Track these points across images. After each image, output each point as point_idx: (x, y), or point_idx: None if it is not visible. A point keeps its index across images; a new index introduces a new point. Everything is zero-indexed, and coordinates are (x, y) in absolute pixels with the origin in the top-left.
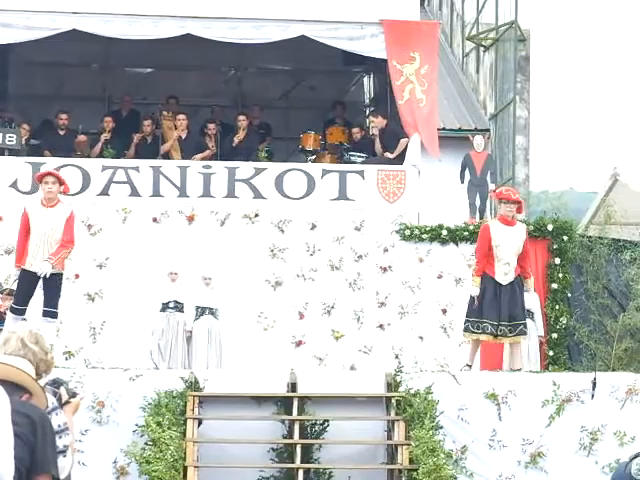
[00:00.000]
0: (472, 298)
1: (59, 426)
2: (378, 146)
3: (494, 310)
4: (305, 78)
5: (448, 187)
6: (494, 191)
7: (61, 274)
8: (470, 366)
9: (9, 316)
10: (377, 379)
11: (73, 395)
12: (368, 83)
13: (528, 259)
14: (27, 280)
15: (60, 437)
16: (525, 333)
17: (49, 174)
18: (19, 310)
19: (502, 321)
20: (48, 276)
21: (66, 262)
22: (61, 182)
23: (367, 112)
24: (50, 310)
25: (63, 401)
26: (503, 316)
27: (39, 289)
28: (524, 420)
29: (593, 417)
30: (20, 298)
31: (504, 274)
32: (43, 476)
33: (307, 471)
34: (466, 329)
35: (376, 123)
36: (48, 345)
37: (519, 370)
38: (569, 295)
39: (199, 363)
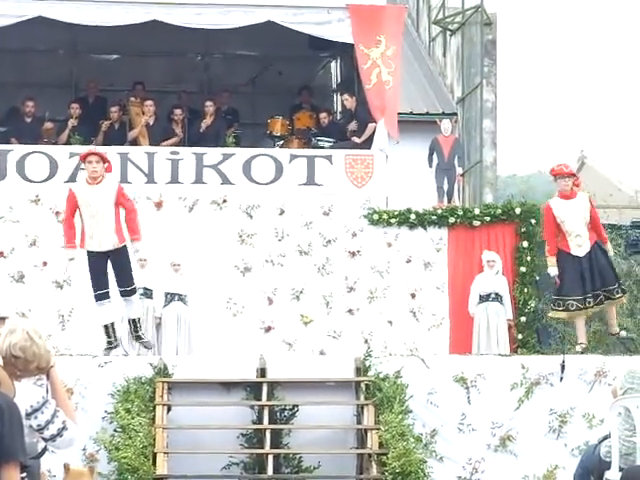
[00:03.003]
0: (553, 278)
1: (51, 414)
2: (353, 125)
3: (578, 286)
4: (272, 63)
5: (416, 171)
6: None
7: (125, 247)
8: (583, 345)
9: (96, 306)
10: (346, 364)
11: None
12: (335, 68)
13: (600, 225)
14: (97, 261)
15: (54, 421)
16: (609, 298)
17: (92, 154)
18: (101, 295)
19: (588, 293)
20: (125, 265)
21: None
22: (104, 160)
23: (335, 97)
24: (127, 289)
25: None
26: (589, 287)
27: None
28: (493, 403)
29: (562, 400)
30: (98, 283)
31: (578, 246)
32: (11, 463)
33: (277, 456)
34: (557, 308)
35: (350, 103)
36: (47, 344)
37: (616, 334)
38: (537, 278)
39: (168, 349)
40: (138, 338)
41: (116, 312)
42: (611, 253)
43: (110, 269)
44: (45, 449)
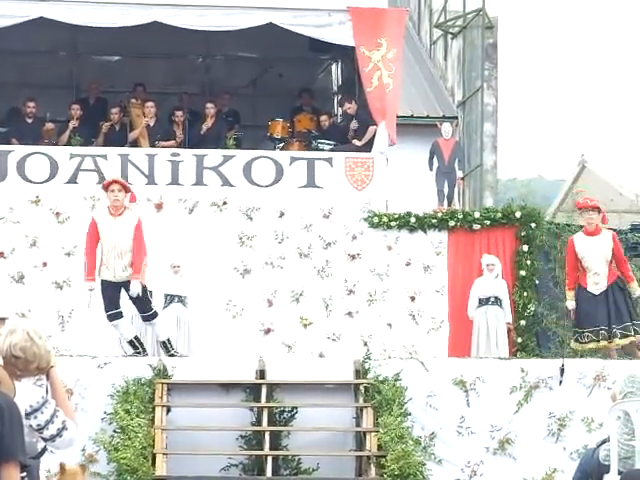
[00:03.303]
0: (571, 311)
1: (51, 415)
2: (354, 124)
3: (592, 318)
4: (273, 66)
5: (416, 174)
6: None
7: (144, 285)
8: None
9: (112, 325)
10: (346, 366)
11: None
12: (336, 70)
13: (626, 264)
14: (110, 289)
15: (53, 421)
16: (625, 335)
17: (115, 182)
18: (114, 315)
19: (603, 326)
20: (140, 294)
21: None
22: (127, 190)
23: (335, 99)
24: (148, 315)
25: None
26: (603, 322)
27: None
28: (492, 407)
29: (561, 403)
30: (110, 304)
31: (594, 284)
32: (10, 463)
33: (276, 458)
34: (575, 340)
35: (351, 109)
36: (47, 345)
37: None
38: (537, 282)
39: None
40: (171, 356)
41: (132, 325)
42: (637, 293)
43: (126, 297)
44: (45, 449)
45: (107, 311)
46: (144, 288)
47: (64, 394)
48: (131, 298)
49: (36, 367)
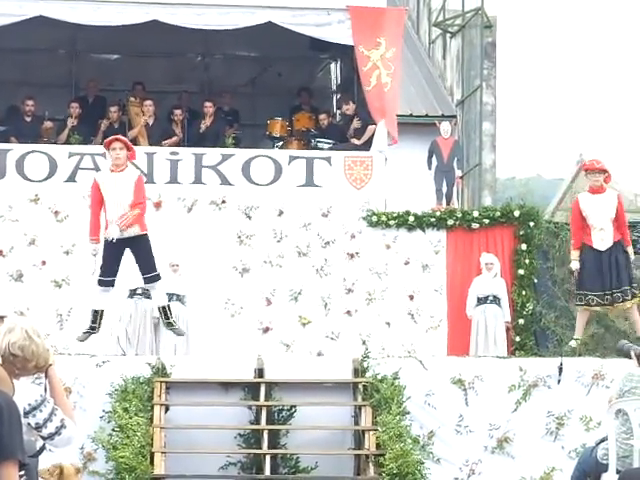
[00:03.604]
0: (575, 271)
1: (49, 413)
2: (355, 123)
3: (597, 281)
4: (272, 64)
5: (415, 173)
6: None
7: (146, 235)
8: (577, 340)
9: (97, 290)
10: (344, 365)
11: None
12: (335, 69)
13: (625, 225)
14: (111, 250)
15: (52, 420)
16: (624, 299)
17: (116, 140)
18: (106, 282)
19: (607, 290)
20: (115, 240)
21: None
22: (128, 147)
23: (334, 98)
24: (150, 276)
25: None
26: (607, 285)
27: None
28: (491, 405)
29: (559, 402)
30: (107, 270)
31: (600, 240)
32: (9, 461)
33: (274, 457)
34: (579, 301)
35: (349, 110)
36: (46, 343)
37: None
38: (535, 281)
39: (166, 349)
40: (169, 325)
41: (111, 303)
42: (632, 256)
43: (132, 258)
44: (43, 447)
45: (102, 275)
46: (145, 242)
47: (63, 393)
48: (137, 257)
49: (34, 365)
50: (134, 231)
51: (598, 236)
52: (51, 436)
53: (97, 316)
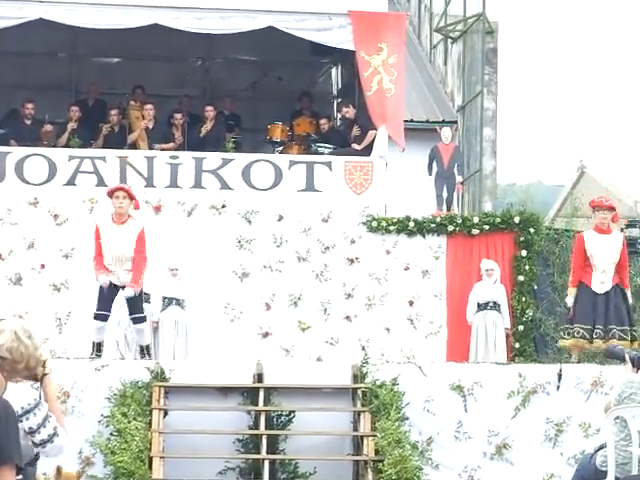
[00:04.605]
0: (568, 308)
1: (43, 418)
2: (355, 130)
3: (589, 317)
4: (272, 69)
5: (415, 179)
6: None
7: (141, 290)
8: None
9: (94, 324)
10: (343, 370)
11: (43, 364)
12: (336, 74)
13: (626, 268)
14: (108, 290)
15: (46, 426)
16: (622, 338)
17: (120, 189)
18: (102, 316)
19: (599, 325)
20: (136, 296)
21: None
22: (131, 197)
23: (335, 103)
24: (138, 317)
25: (39, 376)
26: (600, 321)
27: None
28: (490, 412)
29: (558, 409)
30: (102, 305)
31: (600, 283)
32: (6, 465)
33: (273, 462)
34: (565, 334)
35: (349, 113)
36: (38, 343)
37: None
38: (535, 287)
39: (165, 354)
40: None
41: (108, 333)
42: (631, 300)
43: (122, 299)
44: (38, 454)
45: (98, 310)
46: (140, 292)
47: (56, 401)
48: (128, 301)
49: (24, 367)
50: (129, 280)
51: (598, 278)
52: (43, 443)
53: (98, 347)
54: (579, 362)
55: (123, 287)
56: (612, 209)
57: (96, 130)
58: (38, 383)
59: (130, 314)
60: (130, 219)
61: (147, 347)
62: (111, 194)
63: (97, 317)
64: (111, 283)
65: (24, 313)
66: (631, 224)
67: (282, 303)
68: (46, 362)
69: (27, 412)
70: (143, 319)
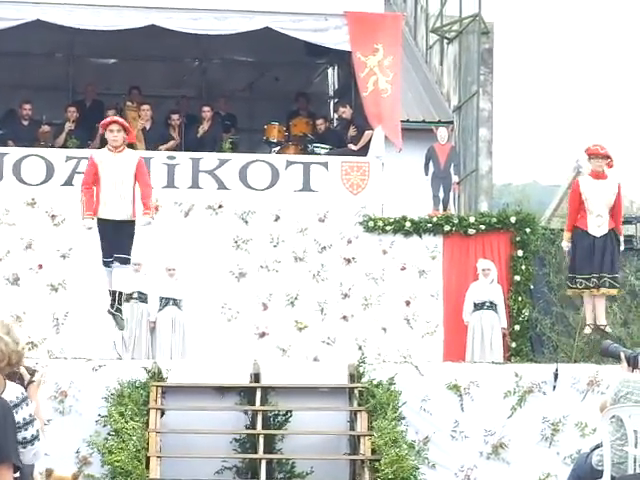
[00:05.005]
0: (566, 253)
1: (30, 415)
2: (352, 131)
3: (586, 264)
4: (269, 69)
5: (412, 179)
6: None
7: (134, 222)
8: (589, 325)
9: (105, 271)
10: (340, 370)
11: (33, 373)
12: (332, 75)
13: (620, 214)
14: (107, 229)
15: (32, 425)
16: (612, 286)
17: (114, 122)
18: (109, 262)
19: (595, 273)
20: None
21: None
22: (125, 129)
23: (331, 104)
24: (124, 257)
25: (26, 382)
26: (596, 269)
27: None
28: (486, 411)
29: (555, 408)
30: (107, 249)
31: (597, 226)
32: (4, 464)
33: (270, 461)
34: (567, 286)
35: (346, 113)
36: (19, 336)
37: (604, 326)
38: (532, 287)
39: (163, 354)
40: (117, 310)
41: (123, 278)
42: (622, 247)
43: (114, 236)
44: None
45: (104, 256)
46: (133, 233)
47: (40, 411)
48: (119, 238)
49: (7, 364)
50: (127, 214)
51: (595, 222)
52: (25, 442)
53: (115, 296)
54: (587, 342)
55: (120, 223)
56: (607, 157)
57: (93, 131)
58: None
59: (118, 253)
60: (126, 149)
61: (121, 294)
62: (105, 127)
63: (106, 264)
64: (108, 222)
65: (22, 313)
66: (627, 221)
67: (279, 303)
68: (35, 373)
69: (15, 406)
70: (128, 260)
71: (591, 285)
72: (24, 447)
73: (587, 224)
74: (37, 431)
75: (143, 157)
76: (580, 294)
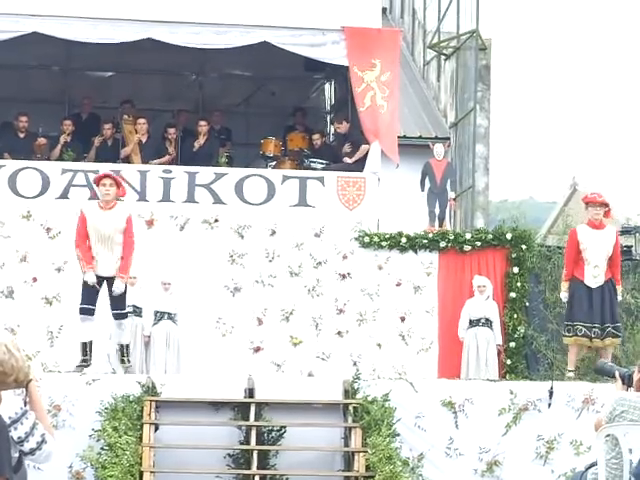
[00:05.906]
0: (564, 303)
1: (30, 427)
2: (346, 147)
3: (586, 313)
4: (266, 84)
5: (408, 195)
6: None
7: (126, 284)
8: (572, 371)
9: (80, 319)
10: (335, 386)
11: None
12: (329, 90)
13: (619, 264)
14: (98, 284)
15: (33, 435)
16: (615, 336)
17: (106, 176)
18: (88, 310)
19: (596, 323)
20: (122, 292)
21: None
22: (118, 184)
23: (328, 119)
24: (120, 313)
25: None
26: (597, 319)
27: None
28: (481, 428)
29: (549, 426)
30: (86, 299)
31: (593, 277)
32: None
33: (263, 477)
34: (567, 332)
35: (342, 128)
36: (24, 356)
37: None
38: (527, 304)
39: (157, 368)
40: (122, 362)
41: (96, 332)
42: (620, 298)
43: (105, 292)
44: (21, 461)
45: (82, 303)
46: (125, 287)
47: (42, 408)
48: (110, 294)
49: (14, 380)
50: (115, 271)
51: (591, 272)
52: (32, 451)
53: (86, 348)
54: (582, 360)
55: (106, 278)
56: (605, 205)
57: (89, 144)
58: (21, 392)
59: (112, 308)
60: (117, 204)
61: (127, 347)
62: (97, 182)
63: (82, 311)
64: (100, 277)
65: (16, 326)
66: (625, 231)
67: (274, 318)
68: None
69: (14, 422)
70: (125, 315)
71: (592, 335)
72: (33, 454)
73: (584, 274)
74: (41, 435)
75: (132, 215)
76: (579, 343)
